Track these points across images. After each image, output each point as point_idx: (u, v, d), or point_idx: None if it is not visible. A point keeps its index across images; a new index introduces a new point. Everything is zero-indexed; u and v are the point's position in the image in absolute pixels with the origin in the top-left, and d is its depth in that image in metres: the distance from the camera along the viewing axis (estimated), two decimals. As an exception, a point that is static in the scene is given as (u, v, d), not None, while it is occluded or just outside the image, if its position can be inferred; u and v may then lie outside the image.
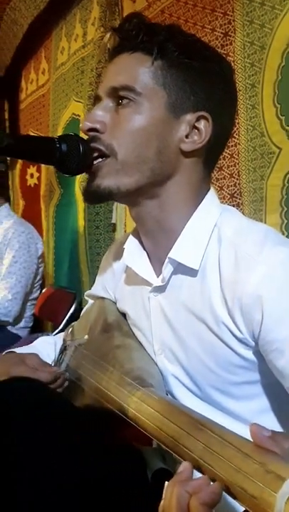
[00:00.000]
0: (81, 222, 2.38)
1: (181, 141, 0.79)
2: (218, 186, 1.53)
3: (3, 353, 0.98)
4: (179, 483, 0.53)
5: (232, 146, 1.48)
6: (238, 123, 1.46)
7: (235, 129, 1.46)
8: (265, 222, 1.36)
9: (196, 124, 0.79)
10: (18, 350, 1.01)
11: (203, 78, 0.79)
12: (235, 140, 1.47)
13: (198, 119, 0.79)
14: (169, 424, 0.63)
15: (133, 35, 0.79)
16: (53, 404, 0.78)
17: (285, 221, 1.31)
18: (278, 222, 1.32)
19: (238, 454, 0.51)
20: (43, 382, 0.86)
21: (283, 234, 1.30)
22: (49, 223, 2.85)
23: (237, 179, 1.47)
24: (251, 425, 0.53)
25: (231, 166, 1.49)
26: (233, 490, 0.49)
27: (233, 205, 1.46)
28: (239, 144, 1.46)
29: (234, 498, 0.50)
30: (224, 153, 1.50)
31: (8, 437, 0.71)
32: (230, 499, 0.52)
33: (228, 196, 1.50)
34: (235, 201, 1.48)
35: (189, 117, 0.79)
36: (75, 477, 0.72)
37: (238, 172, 1.47)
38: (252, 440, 0.52)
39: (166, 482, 0.55)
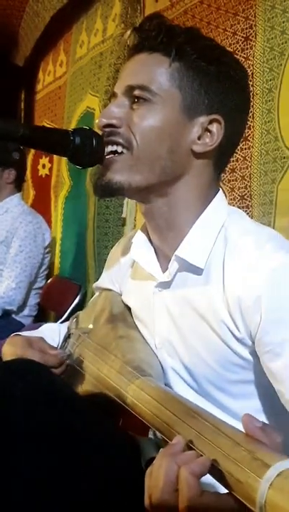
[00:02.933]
0: (90, 215, 2.40)
1: (193, 142, 0.81)
2: (230, 188, 1.55)
3: (11, 336, 1.00)
4: (169, 454, 0.56)
5: (245, 148, 1.50)
6: (252, 126, 1.47)
7: (249, 132, 1.48)
8: (274, 225, 1.38)
9: (208, 127, 0.81)
10: (25, 333, 1.02)
11: (218, 82, 0.80)
12: (249, 143, 1.49)
13: (210, 122, 0.81)
14: (164, 411, 0.66)
15: (153, 36, 0.80)
16: (54, 388, 0.79)
17: (296, 225, 1.32)
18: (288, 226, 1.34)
19: (228, 442, 0.53)
20: (46, 366, 0.87)
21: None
22: (58, 214, 2.87)
23: (248, 181, 1.49)
24: (244, 415, 0.55)
25: (243, 168, 1.51)
26: (221, 474, 0.51)
27: (243, 207, 1.48)
28: (252, 147, 1.48)
29: (221, 482, 0.52)
30: (237, 156, 1.52)
31: (6, 417, 0.72)
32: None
33: (239, 198, 1.52)
34: (245, 203, 1.50)
35: (202, 120, 0.81)
36: (71, 461, 0.73)
37: (250, 175, 1.49)
38: (243, 430, 0.55)
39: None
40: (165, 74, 0.79)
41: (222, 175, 1.53)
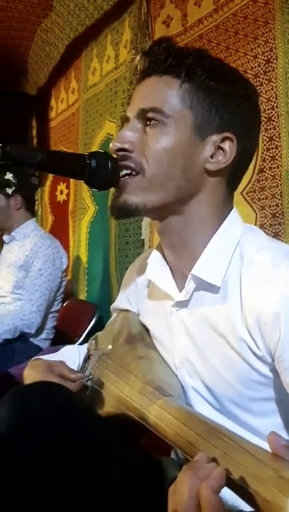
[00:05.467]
0: (112, 239, 2.43)
1: (207, 161, 0.82)
2: (260, 206, 1.55)
3: (32, 360, 1.00)
4: (192, 469, 0.55)
5: (274, 167, 1.51)
6: (279, 146, 1.48)
7: (277, 151, 1.49)
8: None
9: (220, 145, 0.82)
10: (45, 357, 1.03)
11: (228, 101, 0.82)
12: (277, 162, 1.49)
13: (223, 140, 0.82)
14: (187, 431, 0.65)
15: (162, 59, 0.82)
16: (74, 409, 0.80)
17: None
18: None
19: (254, 460, 0.53)
20: (65, 387, 0.87)
21: None
22: (81, 239, 2.89)
23: (279, 199, 1.49)
24: (270, 433, 0.54)
25: (273, 187, 1.51)
26: (247, 493, 0.50)
27: (275, 225, 1.49)
28: (281, 166, 1.48)
29: (246, 501, 0.51)
30: (266, 175, 1.53)
31: (28, 440, 0.73)
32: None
33: (270, 215, 1.52)
34: (277, 220, 1.50)
35: (214, 138, 0.81)
36: (93, 481, 0.74)
37: (281, 193, 1.49)
38: (269, 449, 0.54)
39: None
40: (176, 95, 0.81)
41: (251, 194, 1.54)
